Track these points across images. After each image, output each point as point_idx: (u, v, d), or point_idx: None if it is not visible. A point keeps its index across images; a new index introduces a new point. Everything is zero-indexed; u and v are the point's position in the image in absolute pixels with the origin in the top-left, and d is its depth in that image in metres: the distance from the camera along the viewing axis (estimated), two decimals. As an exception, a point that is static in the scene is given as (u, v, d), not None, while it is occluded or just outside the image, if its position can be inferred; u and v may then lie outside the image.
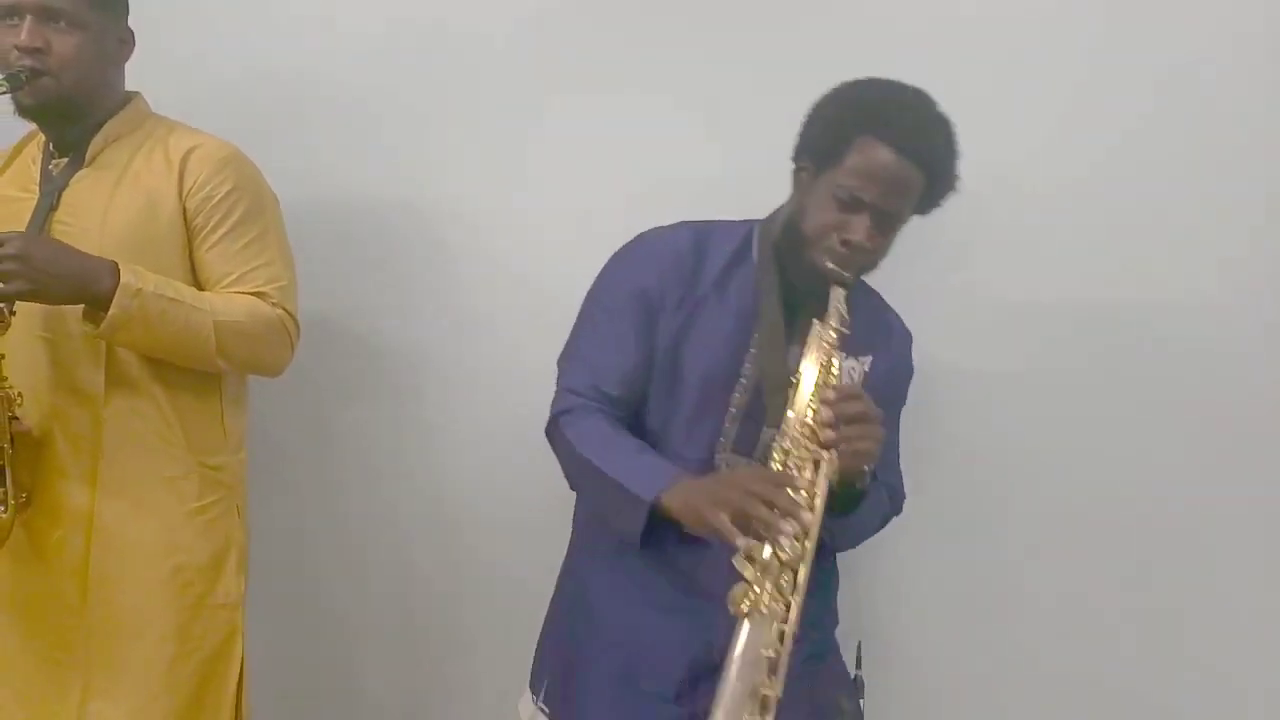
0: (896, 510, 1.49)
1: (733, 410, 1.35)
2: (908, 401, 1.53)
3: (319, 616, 2.06)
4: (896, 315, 1.50)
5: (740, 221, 1.44)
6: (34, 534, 1.50)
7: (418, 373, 2.01)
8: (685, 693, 1.33)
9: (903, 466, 1.50)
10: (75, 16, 1.48)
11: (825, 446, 1.16)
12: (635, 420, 1.39)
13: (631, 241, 1.44)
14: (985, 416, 1.83)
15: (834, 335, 1.24)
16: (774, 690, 1.05)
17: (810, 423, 1.18)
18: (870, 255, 1.31)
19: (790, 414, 1.20)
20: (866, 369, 1.39)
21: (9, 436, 1.44)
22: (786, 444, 1.18)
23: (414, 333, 2.00)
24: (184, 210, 1.54)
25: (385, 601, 2.05)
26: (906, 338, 1.50)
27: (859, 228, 1.28)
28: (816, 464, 1.17)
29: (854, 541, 1.44)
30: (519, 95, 1.93)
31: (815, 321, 1.26)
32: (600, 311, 1.41)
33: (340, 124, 2.01)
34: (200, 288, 1.55)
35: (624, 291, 1.39)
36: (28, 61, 1.46)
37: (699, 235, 1.41)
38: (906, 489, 1.51)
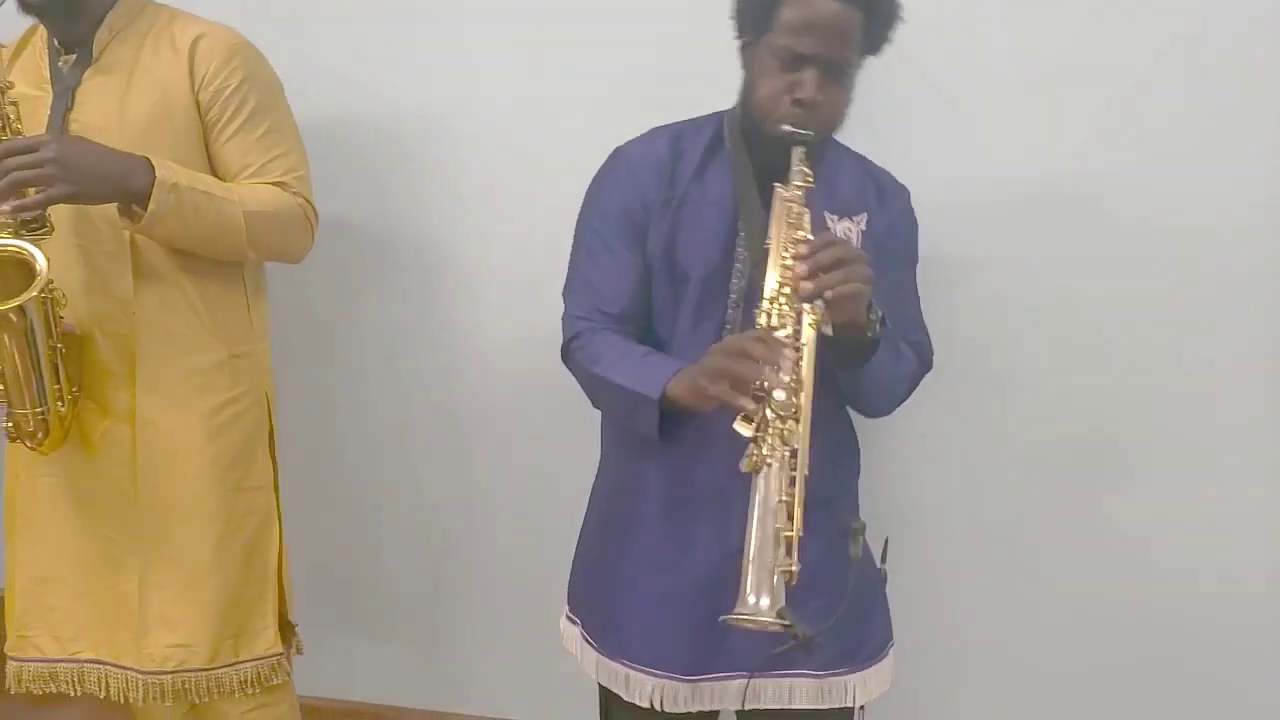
0: (926, 366, 1.49)
1: (733, 296, 1.37)
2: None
3: (344, 499, 2.17)
4: (887, 172, 1.49)
5: (712, 114, 1.45)
6: (85, 427, 1.58)
7: (429, 271, 2.05)
8: (718, 590, 1.32)
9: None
10: None
11: (808, 300, 1.18)
12: (648, 332, 1.43)
13: (609, 159, 1.46)
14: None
15: (799, 193, 1.25)
16: (794, 531, 1.08)
17: (788, 281, 1.19)
18: (828, 109, 1.31)
19: (769, 279, 1.21)
20: (863, 227, 1.40)
21: (59, 336, 1.50)
22: (768, 306, 1.20)
23: (428, 235, 2.03)
24: (197, 103, 1.56)
25: (404, 484, 2.14)
26: (901, 191, 1.48)
27: (807, 84, 1.28)
28: (799, 316, 1.19)
29: (880, 399, 1.43)
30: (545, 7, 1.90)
31: (776, 186, 1.27)
32: (591, 235, 1.43)
33: (354, 25, 1.99)
34: (220, 178, 1.58)
35: (611, 212, 1.41)
36: None
37: (673, 136, 1.43)
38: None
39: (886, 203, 1.44)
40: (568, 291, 1.46)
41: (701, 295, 1.38)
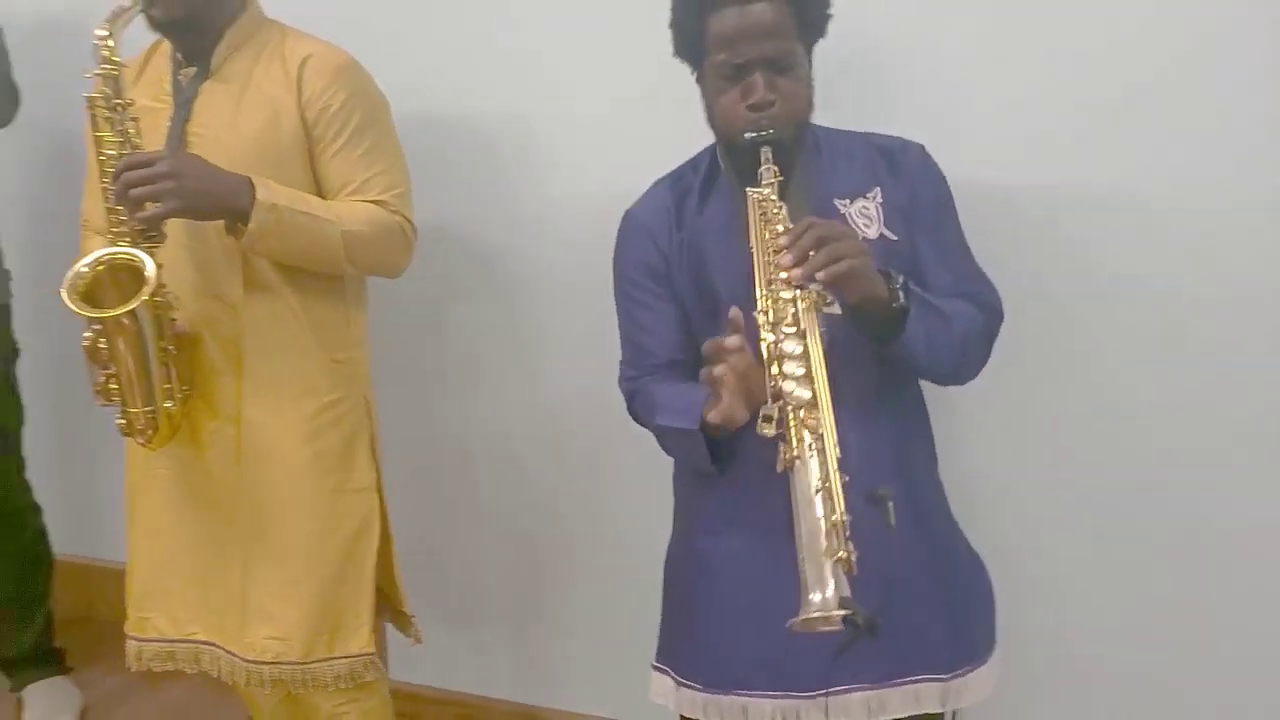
0: (995, 315, 1.42)
1: None
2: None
3: (442, 495, 2.20)
4: (893, 136, 1.45)
5: (707, 148, 1.47)
6: (195, 424, 1.65)
7: (519, 274, 2.06)
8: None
9: None
10: None
11: (800, 286, 1.17)
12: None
13: (621, 224, 1.50)
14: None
15: (767, 189, 1.25)
16: (837, 515, 1.04)
17: (776, 276, 1.19)
18: (784, 103, 1.31)
19: (757, 280, 1.21)
20: (880, 200, 1.38)
21: (170, 338, 1.57)
22: (762, 305, 1.19)
23: (518, 239, 2.04)
24: (303, 120, 1.60)
25: (499, 482, 2.16)
26: (911, 148, 1.43)
27: (754, 88, 1.30)
28: (795, 303, 1.17)
29: (946, 365, 1.36)
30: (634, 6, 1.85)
31: (748, 190, 1.28)
32: (624, 299, 1.49)
33: (449, 32, 2.00)
34: (323, 195, 1.63)
35: (634, 272, 1.46)
36: None
37: (674, 181, 1.47)
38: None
39: (899, 167, 1.41)
40: (622, 360, 1.51)
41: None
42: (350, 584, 1.67)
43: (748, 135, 1.30)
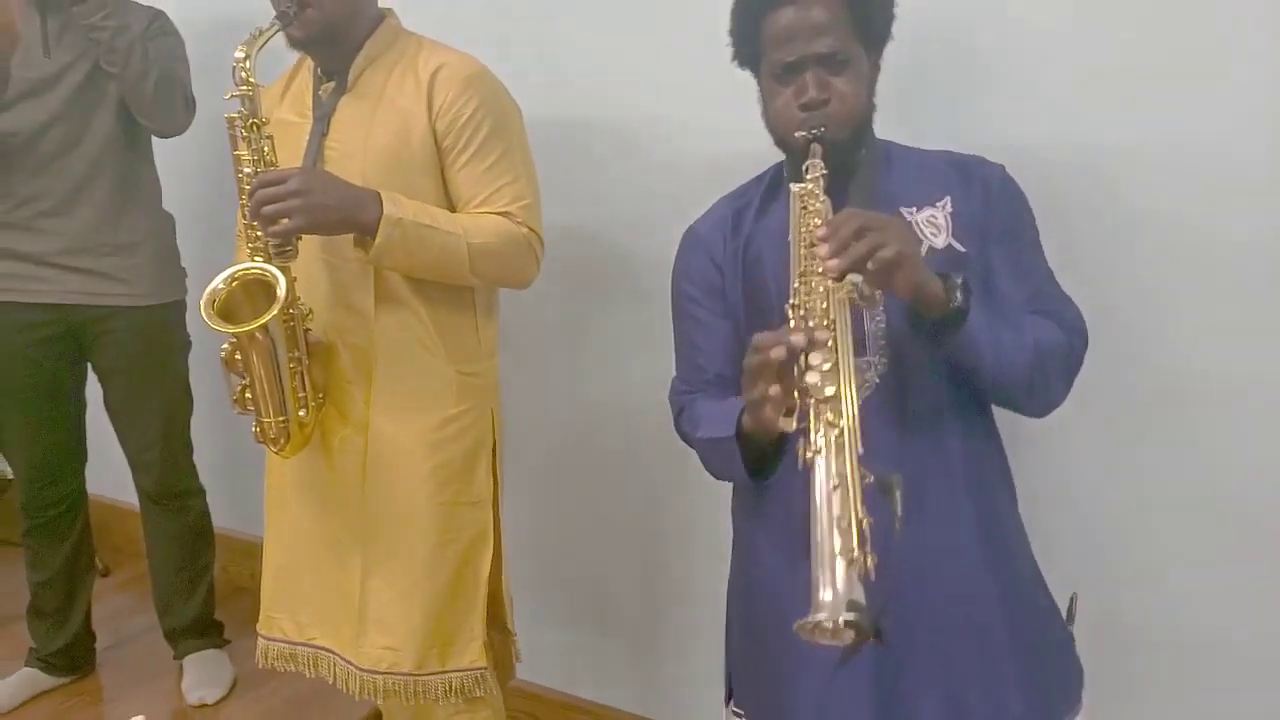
0: (1078, 337, 1.32)
1: None
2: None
3: (571, 499, 2.19)
4: (973, 155, 1.38)
5: (774, 164, 1.44)
6: (327, 431, 1.70)
7: (655, 278, 1.96)
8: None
9: None
10: None
11: (838, 278, 1.11)
12: None
13: (682, 239, 1.48)
14: None
15: (810, 184, 1.21)
16: (850, 514, 0.97)
17: (813, 268, 1.14)
18: (839, 102, 1.27)
19: (792, 273, 1.18)
20: (949, 209, 1.31)
21: (305, 347, 1.62)
22: (794, 300, 1.15)
23: (655, 242, 1.93)
24: (434, 131, 1.61)
25: (629, 489, 2.13)
26: (989, 166, 1.36)
27: (806, 87, 1.27)
28: (827, 295, 1.12)
29: (1020, 384, 1.26)
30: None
31: (791, 185, 1.25)
32: (681, 314, 1.46)
33: (589, 35, 1.97)
34: (451, 205, 1.63)
35: (691, 286, 1.44)
36: None
37: (735, 196, 1.46)
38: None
39: (973, 180, 1.34)
40: (674, 376, 1.49)
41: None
42: (464, 598, 1.69)
43: (799, 134, 1.26)
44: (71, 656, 2.34)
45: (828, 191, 1.22)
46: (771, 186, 1.42)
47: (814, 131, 1.25)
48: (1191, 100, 1.48)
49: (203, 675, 2.32)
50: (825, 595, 0.94)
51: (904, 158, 1.37)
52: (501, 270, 1.65)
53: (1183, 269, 1.52)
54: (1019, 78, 1.58)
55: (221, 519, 2.47)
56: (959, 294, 1.17)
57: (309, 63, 1.70)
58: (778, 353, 1.07)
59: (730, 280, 1.39)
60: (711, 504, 2.00)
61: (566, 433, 2.18)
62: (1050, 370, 1.27)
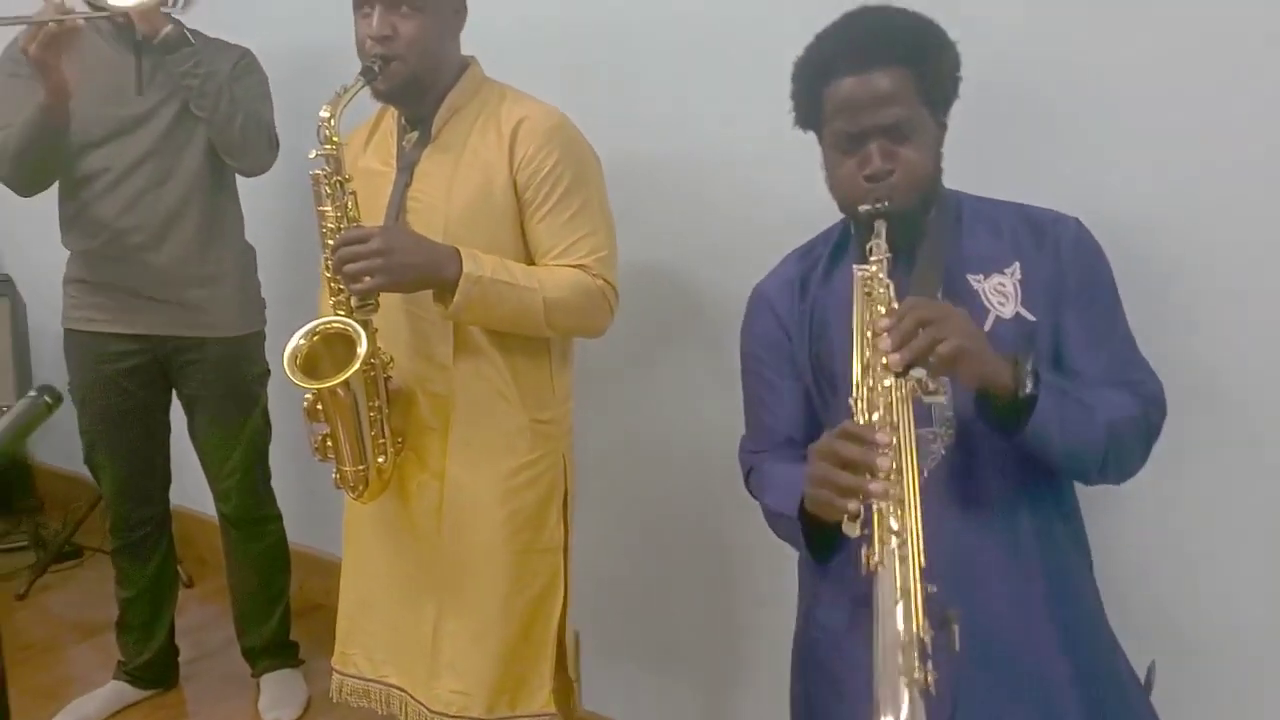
0: (1154, 407, 1.27)
1: None
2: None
3: (640, 536, 2.20)
4: (1045, 209, 1.33)
5: (841, 219, 1.43)
6: (404, 475, 1.73)
7: (729, 318, 1.98)
8: None
9: None
10: (416, 1, 1.57)
11: (900, 373, 1.10)
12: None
13: (749, 300, 1.48)
14: None
15: (874, 267, 1.20)
16: (912, 632, 0.95)
17: (875, 360, 1.13)
18: (904, 172, 1.25)
19: (854, 364, 1.16)
20: (1019, 277, 1.27)
21: (385, 395, 1.65)
22: (856, 393, 1.14)
23: (729, 281, 1.95)
24: (514, 184, 1.63)
25: (698, 527, 2.13)
26: (1064, 222, 1.31)
27: (870, 158, 1.25)
28: (890, 393, 1.11)
29: (1093, 462, 1.23)
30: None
31: (855, 266, 1.23)
32: (750, 376, 1.46)
33: (665, 73, 1.98)
34: (529, 256, 1.65)
35: (760, 348, 1.43)
36: (378, 50, 1.57)
37: (802, 254, 1.45)
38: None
39: (1046, 240, 1.29)
40: (744, 434, 1.49)
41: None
42: (534, 644, 1.71)
43: (862, 208, 1.25)
44: (156, 670, 2.42)
45: (893, 249, 1.21)
46: (838, 247, 1.40)
47: (878, 205, 1.23)
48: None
49: (279, 695, 2.39)
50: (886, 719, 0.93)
51: (975, 214, 1.33)
52: (576, 322, 1.67)
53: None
54: (1089, 131, 1.55)
55: (298, 535, 2.53)
56: (1028, 381, 1.15)
57: (393, 110, 1.72)
58: (851, 492, 1.06)
59: (798, 344, 1.38)
60: (780, 545, 2.02)
61: (636, 470, 2.19)
62: (1124, 448, 1.24)
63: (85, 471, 2.40)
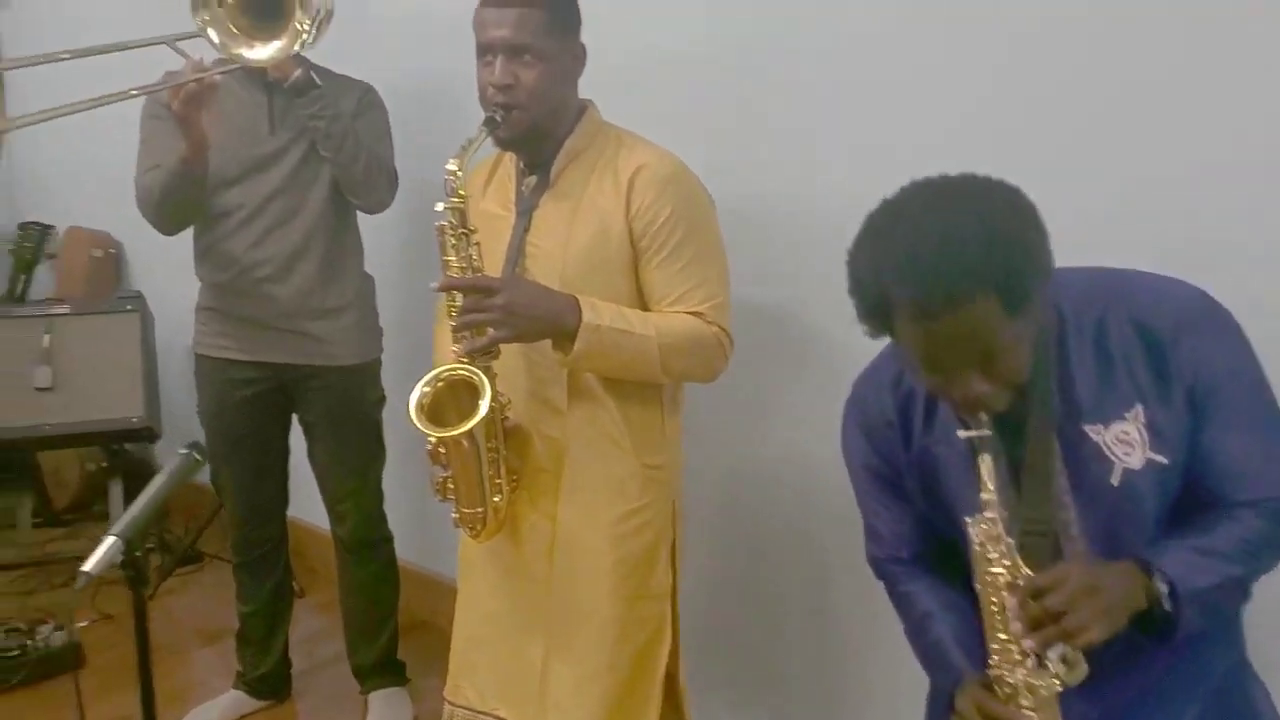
0: None
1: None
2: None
3: (747, 574, 2.20)
4: (1161, 300, 1.18)
5: None
6: (517, 515, 1.76)
7: (844, 362, 1.96)
8: None
9: None
10: (538, 49, 1.60)
11: (1037, 657, 1.08)
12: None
13: (846, 408, 1.40)
14: None
15: (986, 525, 1.12)
16: None
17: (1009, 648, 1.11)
18: (1002, 388, 1.11)
19: (988, 640, 1.13)
20: (1143, 421, 1.15)
21: (502, 436, 1.68)
22: (996, 671, 1.12)
23: (850, 323, 1.95)
24: (630, 232, 1.65)
25: (806, 580, 2.13)
26: (1187, 317, 1.16)
27: (957, 386, 1.11)
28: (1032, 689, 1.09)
29: (1221, 618, 1.20)
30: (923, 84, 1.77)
31: (965, 520, 1.14)
32: (858, 489, 1.40)
33: (784, 109, 1.98)
34: (643, 302, 1.67)
35: (862, 474, 1.38)
36: (500, 98, 1.60)
37: (894, 383, 1.32)
38: None
39: (1168, 362, 1.14)
40: (865, 525, 1.44)
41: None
42: (641, 691, 1.73)
43: (960, 434, 1.16)
44: (272, 683, 2.52)
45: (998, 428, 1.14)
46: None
47: (981, 435, 1.13)
48: None
49: (385, 712, 2.45)
50: None
51: (1079, 334, 1.18)
52: (691, 369, 1.68)
53: None
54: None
55: (406, 553, 2.60)
56: (1166, 602, 1.11)
57: (513, 154, 1.75)
58: None
59: (908, 482, 1.33)
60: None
61: (743, 507, 2.19)
62: (1260, 572, 1.18)
63: (207, 480, 2.51)
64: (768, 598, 2.20)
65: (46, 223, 4.04)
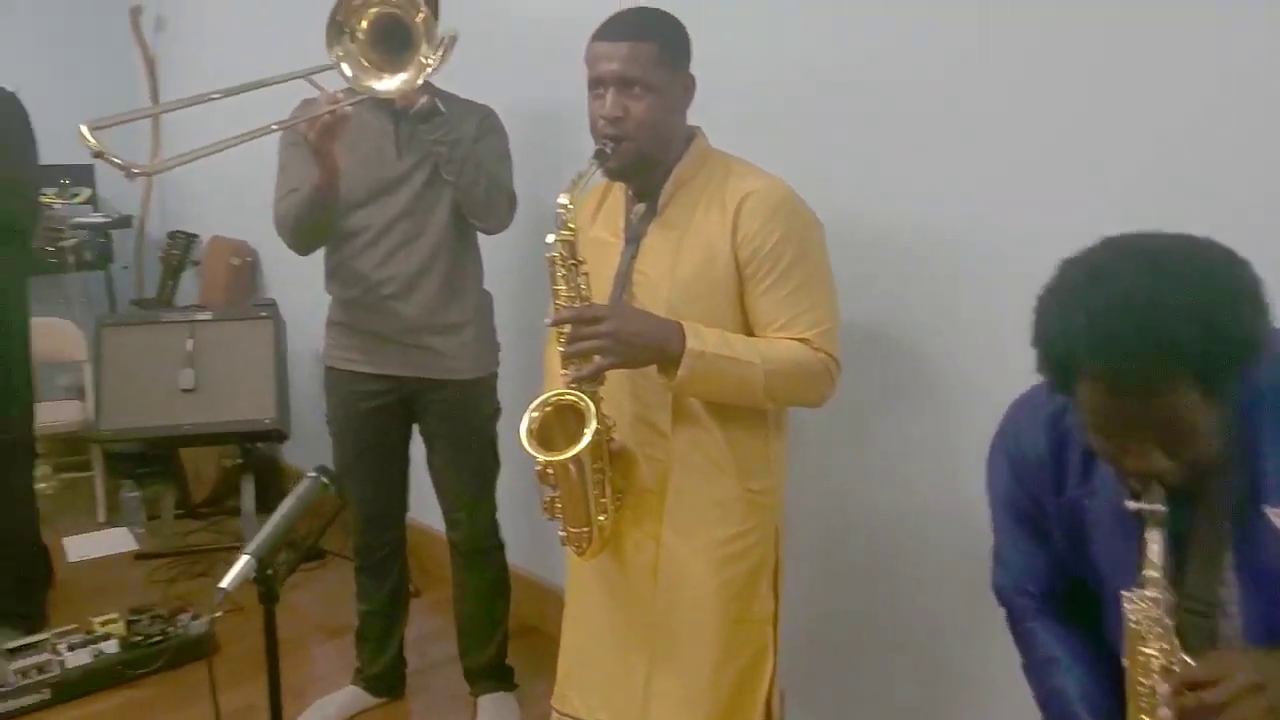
0: None
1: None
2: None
3: (846, 621, 2.20)
4: None
5: None
6: (621, 532, 1.80)
7: (957, 387, 1.96)
8: None
9: None
10: (648, 81, 1.64)
11: None
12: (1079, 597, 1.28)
13: (995, 440, 1.35)
14: None
15: (1148, 603, 1.07)
16: None
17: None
18: (1182, 465, 1.06)
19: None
20: None
21: (608, 458, 1.73)
22: None
23: (959, 347, 1.95)
24: (736, 259, 1.66)
25: (906, 607, 2.11)
26: None
27: (1134, 458, 1.07)
28: None
29: None
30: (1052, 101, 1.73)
31: (1123, 594, 1.10)
32: (996, 519, 1.37)
33: (896, 132, 1.98)
34: (748, 327, 1.69)
35: (1004, 505, 1.35)
36: (610, 130, 1.65)
37: (1051, 422, 1.26)
38: None
39: None
40: (994, 550, 1.41)
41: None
42: (741, 714, 1.75)
43: (1130, 504, 1.10)
44: (388, 681, 2.63)
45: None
46: None
47: (1158, 509, 1.07)
48: None
49: (494, 716, 2.53)
50: None
51: (1275, 408, 1.10)
52: (796, 395, 1.70)
53: None
54: None
55: (517, 559, 2.68)
56: None
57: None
58: None
59: (1052, 525, 1.29)
60: (990, 614, 1.95)
61: (845, 531, 2.18)
62: None
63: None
64: (871, 628, 2.18)
65: (192, 231, 4.32)
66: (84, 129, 1.62)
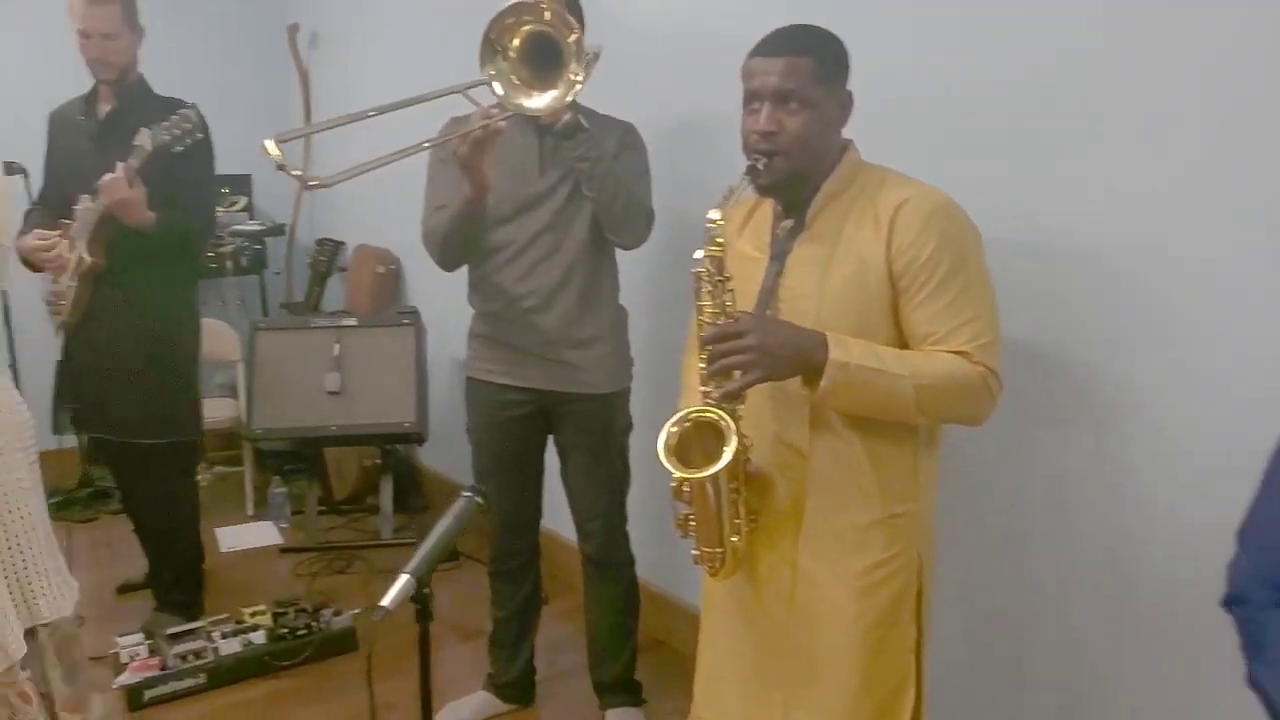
0: None
1: None
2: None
3: (994, 648, 2.11)
4: None
5: None
6: (754, 555, 1.76)
7: (1117, 405, 1.86)
8: None
9: None
10: (805, 97, 1.61)
11: None
12: None
13: None
14: None
15: None
16: None
17: None
18: None
19: None
20: None
21: (743, 478, 1.70)
22: None
23: (1123, 364, 1.86)
24: (890, 271, 1.61)
25: (1054, 636, 2.02)
26: None
27: None
28: None
29: None
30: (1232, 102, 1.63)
31: None
32: (1266, 487, 1.26)
33: (1055, 146, 1.90)
34: (902, 341, 1.63)
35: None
36: (763, 145, 1.62)
37: None
38: None
39: None
40: (1242, 529, 1.30)
41: None
42: (883, 745, 1.69)
43: None
44: (519, 688, 2.67)
45: None
46: None
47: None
48: None
49: (623, 732, 2.55)
50: None
51: None
52: (952, 410, 1.63)
53: None
54: None
55: (646, 573, 2.67)
56: None
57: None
58: None
59: None
60: (1143, 644, 1.88)
61: (993, 554, 2.10)
62: None
63: (465, 478, 2.70)
64: (1024, 660, 2.09)
65: (339, 239, 4.50)
66: (269, 143, 1.69)
